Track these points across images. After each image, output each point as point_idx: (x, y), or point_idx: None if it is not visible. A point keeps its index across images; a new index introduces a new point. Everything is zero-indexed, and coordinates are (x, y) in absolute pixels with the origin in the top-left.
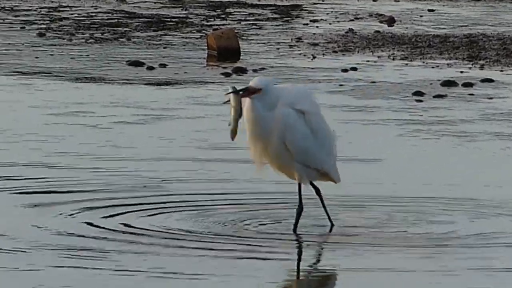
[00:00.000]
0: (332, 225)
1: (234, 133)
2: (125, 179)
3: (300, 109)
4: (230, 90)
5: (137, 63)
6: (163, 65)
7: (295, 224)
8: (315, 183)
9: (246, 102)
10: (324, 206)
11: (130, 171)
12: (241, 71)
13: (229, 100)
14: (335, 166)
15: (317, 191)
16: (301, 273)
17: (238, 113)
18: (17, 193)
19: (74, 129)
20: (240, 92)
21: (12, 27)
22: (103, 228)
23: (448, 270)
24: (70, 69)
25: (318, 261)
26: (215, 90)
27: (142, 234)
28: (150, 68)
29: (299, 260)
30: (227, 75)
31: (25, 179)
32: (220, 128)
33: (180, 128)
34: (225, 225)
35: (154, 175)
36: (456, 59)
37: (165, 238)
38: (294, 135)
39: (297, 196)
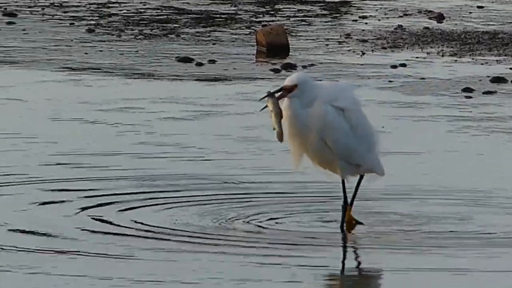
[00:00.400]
0: (347, 203)
1: (280, 135)
2: (183, 177)
3: (339, 106)
4: (264, 95)
5: (186, 59)
6: (212, 61)
7: (342, 221)
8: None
9: (284, 101)
10: (356, 191)
11: (183, 167)
12: (290, 67)
13: (266, 106)
14: (378, 161)
15: (360, 177)
16: (346, 272)
17: (279, 115)
18: (74, 190)
19: (123, 125)
20: (276, 94)
21: (62, 23)
22: (194, 225)
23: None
24: (119, 65)
25: (364, 260)
26: (264, 86)
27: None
28: (199, 64)
29: (344, 258)
30: (276, 71)
31: (79, 179)
32: (269, 125)
33: (230, 124)
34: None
35: (213, 172)
36: (506, 55)
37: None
38: (333, 133)
39: (341, 193)
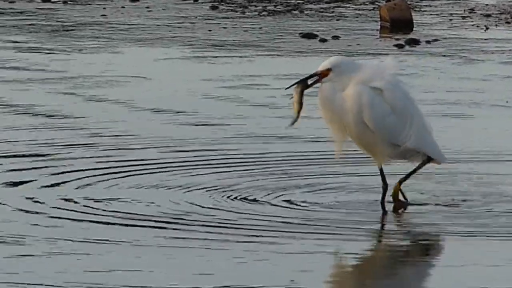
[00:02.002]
0: (386, 184)
1: (294, 121)
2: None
3: (376, 86)
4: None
5: (310, 35)
6: (336, 37)
7: (382, 201)
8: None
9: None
10: (414, 170)
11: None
12: (414, 42)
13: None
14: (432, 144)
15: (424, 162)
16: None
17: (300, 106)
18: (207, 165)
19: (247, 102)
20: (310, 80)
21: (185, 1)
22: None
23: None
24: (243, 42)
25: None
26: None
27: None
28: (323, 40)
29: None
30: (400, 46)
31: (202, 155)
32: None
33: None
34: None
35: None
36: None
37: None
38: (371, 114)
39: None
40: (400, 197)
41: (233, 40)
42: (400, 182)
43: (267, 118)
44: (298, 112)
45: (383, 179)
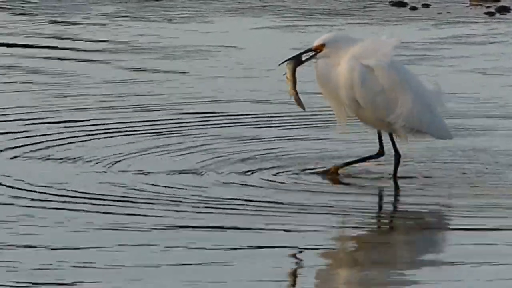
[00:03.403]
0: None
1: (299, 102)
2: None
3: (367, 64)
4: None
5: (400, 4)
6: (426, 5)
7: (395, 172)
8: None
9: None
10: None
11: None
12: (504, 10)
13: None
14: (432, 123)
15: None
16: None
17: (293, 83)
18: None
19: None
20: (304, 56)
21: None
22: None
23: None
24: (333, 11)
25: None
26: (478, 30)
27: None
28: (413, 9)
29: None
30: (490, 14)
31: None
32: (489, 67)
33: (443, 68)
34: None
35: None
36: None
37: None
38: (361, 91)
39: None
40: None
41: (323, 9)
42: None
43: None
44: (293, 90)
45: (395, 149)
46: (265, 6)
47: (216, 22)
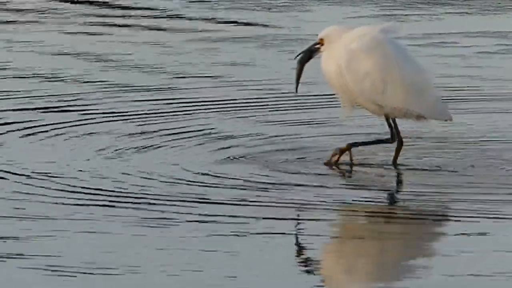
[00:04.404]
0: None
1: (295, 88)
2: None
3: (352, 48)
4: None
5: None
6: None
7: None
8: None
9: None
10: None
11: None
12: None
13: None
14: (428, 103)
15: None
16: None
17: (298, 76)
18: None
19: (440, 58)
20: (314, 49)
21: None
22: None
23: None
24: (433, 0)
25: None
26: None
27: None
28: None
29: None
30: None
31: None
32: None
33: None
34: None
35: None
36: None
37: None
38: (348, 76)
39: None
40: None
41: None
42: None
43: (452, 77)
44: (297, 81)
45: (398, 133)
46: None
47: (315, 11)
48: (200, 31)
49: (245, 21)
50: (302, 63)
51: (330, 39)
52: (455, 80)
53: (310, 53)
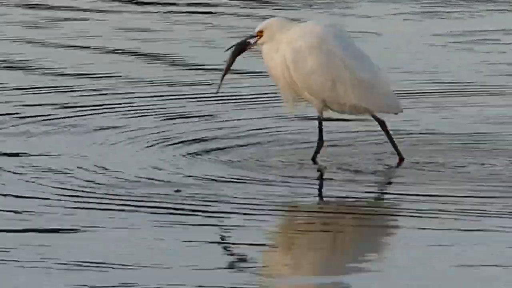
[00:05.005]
0: (402, 158)
1: (221, 81)
2: None
3: (297, 45)
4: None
5: None
6: None
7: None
8: (378, 116)
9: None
10: (391, 140)
11: None
12: None
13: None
14: (375, 97)
15: (381, 124)
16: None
17: (226, 70)
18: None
19: (477, 58)
20: (251, 40)
21: None
22: None
23: None
24: None
25: None
26: None
27: None
28: None
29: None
30: None
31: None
32: None
33: None
34: None
35: None
36: None
37: None
38: (294, 73)
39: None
40: None
41: None
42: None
43: (491, 76)
44: (225, 72)
45: (320, 134)
46: None
47: (355, 7)
48: (241, 28)
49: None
50: (234, 55)
51: (270, 31)
52: (496, 79)
53: (244, 46)
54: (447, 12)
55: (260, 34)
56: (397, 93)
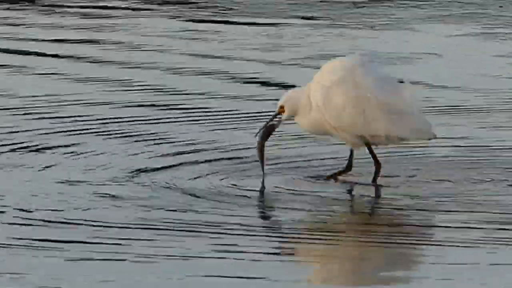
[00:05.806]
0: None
1: (262, 173)
2: None
3: (325, 84)
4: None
5: None
6: None
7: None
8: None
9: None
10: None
11: None
12: None
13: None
14: (403, 126)
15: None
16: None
17: (261, 160)
18: None
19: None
20: (273, 124)
21: None
22: None
23: None
24: None
25: None
26: None
27: None
28: None
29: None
30: None
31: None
32: None
33: None
34: None
35: None
36: None
37: None
38: (326, 113)
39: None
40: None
41: None
42: None
43: None
44: (263, 167)
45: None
46: (465, 13)
47: (417, 29)
48: (301, 47)
49: (345, 38)
50: (263, 139)
51: (291, 104)
52: None
53: (270, 128)
54: (507, 33)
55: (282, 109)
56: (456, 111)
